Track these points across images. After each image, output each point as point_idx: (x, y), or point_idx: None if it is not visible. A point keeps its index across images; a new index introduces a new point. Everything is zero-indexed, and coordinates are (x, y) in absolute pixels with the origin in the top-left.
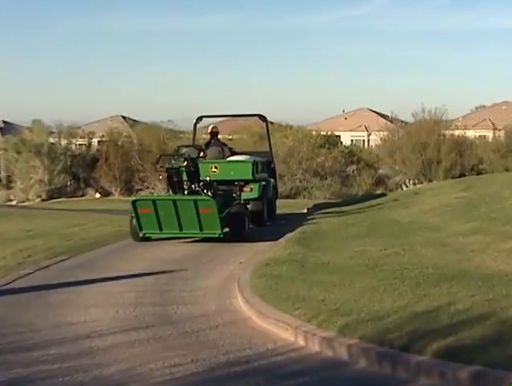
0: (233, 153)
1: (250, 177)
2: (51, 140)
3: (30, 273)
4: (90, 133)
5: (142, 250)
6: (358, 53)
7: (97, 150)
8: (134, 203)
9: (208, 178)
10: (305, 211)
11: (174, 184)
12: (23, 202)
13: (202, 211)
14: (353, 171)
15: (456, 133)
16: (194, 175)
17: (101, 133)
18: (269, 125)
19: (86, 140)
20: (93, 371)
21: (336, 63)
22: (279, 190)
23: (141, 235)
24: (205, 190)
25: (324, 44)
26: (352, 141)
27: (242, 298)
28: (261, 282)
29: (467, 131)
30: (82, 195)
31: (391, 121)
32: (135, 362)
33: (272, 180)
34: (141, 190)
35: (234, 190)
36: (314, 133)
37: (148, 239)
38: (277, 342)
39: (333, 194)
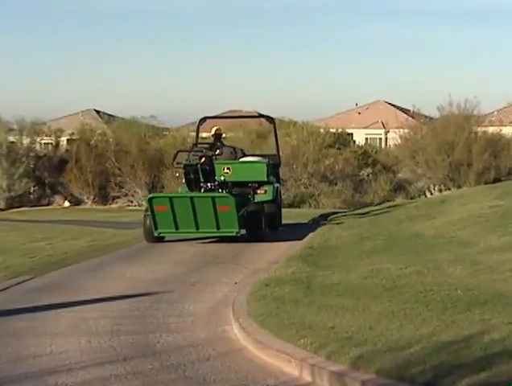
0: (244, 155)
1: (265, 178)
2: (11, 138)
3: None
4: (57, 130)
5: (120, 268)
6: (373, 36)
7: (66, 151)
8: (150, 200)
9: (222, 178)
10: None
11: (191, 181)
12: None
13: (220, 208)
14: (368, 175)
15: (490, 130)
16: (210, 174)
17: (71, 130)
18: (277, 127)
19: (53, 138)
20: None
21: (348, 48)
22: (282, 197)
23: (156, 234)
24: (220, 190)
25: (331, 26)
26: (366, 139)
27: (237, 325)
28: (259, 306)
29: (503, 128)
30: (48, 204)
31: (413, 117)
32: None
33: (278, 185)
34: (118, 197)
35: (247, 191)
36: (322, 130)
37: (162, 239)
38: (279, 378)
39: (344, 202)
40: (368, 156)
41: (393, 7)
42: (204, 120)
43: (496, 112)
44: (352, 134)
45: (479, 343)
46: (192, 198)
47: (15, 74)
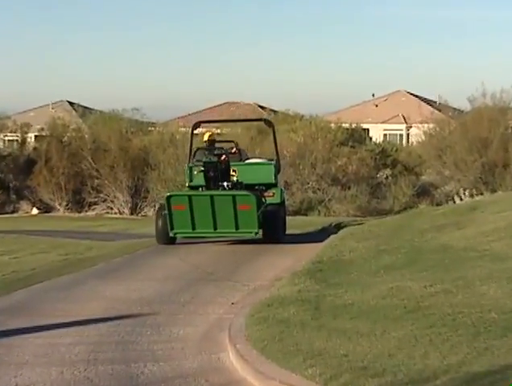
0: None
1: (273, 181)
2: None
3: None
4: (24, 125)
5: (97, 286)
6: (392, 16)
7: (34, 149)
8: (168, 198)
9: (235, 178)
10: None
11: (210, 179)
12: None
13: (240, 207)
14: (387, 178)
15: None
16: (226, 173)
17: (40, 125)
18: (275, 129)
19: (19, 135)
20: None
21: (363, 31)
22: (286, 203)
23: (171, 234)
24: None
25: (344, 5)
26: (385, 136)
27: (235, 352)
28: (260, 330)
29: None
30: (13, 211)
31: (439, 109)
32: None
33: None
34: (95, 203)
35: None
36: (333, 125)
37: (173, 241)
38: None
39: (359, 209)
40: (387, 155)
41: None
42: (198, 125)
43: None
44: (368, 130)
45: None
46: (212, 196)
47: None
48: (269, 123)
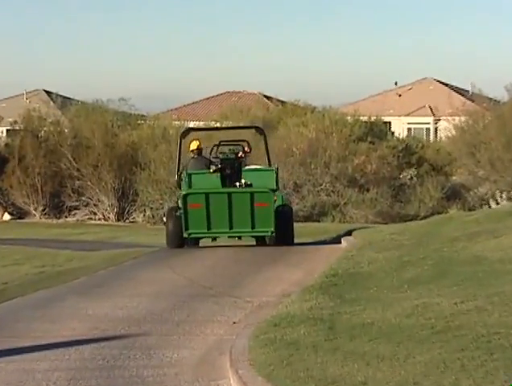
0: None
1: (274, 186)
2: None
3: None
4: None
5: (79, 303)
6: None
7: (6, 146)
8: (185, 196)
9: (243, 180)
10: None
11: (226, 177)
12: None
13: (258, 204)
14: (412, 179)
15: None
16: (240, 172)
17: (13, 117)
18: (267, 137)
19: None
20: None
21: (383, 13)
22: (295, 208)
23: (185, 235)
24: None
25: None
26: (409, 130)
27: (236, 379)
28: (266, 353)
29: None
30: None
31: (472, 100)
32: None
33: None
34: (76, 208)
35: None
36: (349, 118)
37: (182, 245)
38: None
39: (380, 214)
40: (411, 153)
41: None
42: (187, 132)
43: None
44: (390, 123)
45: None
46: (229, 194)
47: None
48: (260, 131)
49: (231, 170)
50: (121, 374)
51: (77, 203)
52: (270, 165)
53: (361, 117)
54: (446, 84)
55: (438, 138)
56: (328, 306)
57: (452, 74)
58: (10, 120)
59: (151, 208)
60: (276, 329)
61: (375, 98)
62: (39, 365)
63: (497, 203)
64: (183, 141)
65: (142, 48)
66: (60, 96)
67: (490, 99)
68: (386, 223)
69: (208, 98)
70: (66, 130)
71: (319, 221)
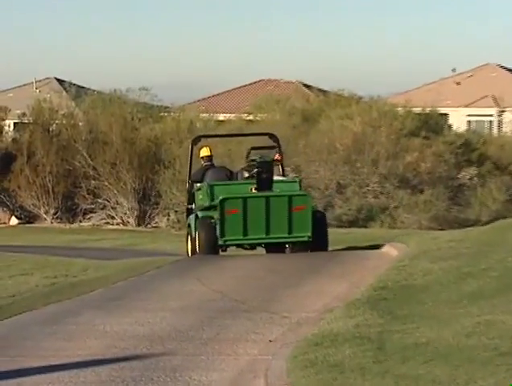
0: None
1: None
2: None
3: None
4: (0, 109)
5: (95, 319)
6: None
7: (13, 141)
8: (222, 202)
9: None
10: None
11: (263, 181)
12: None
13: (296, 209)
14: (472, 179)
15: None
16: (272, 177)
17: (21, 109)
18: (281, 144)
19: None
20: None
21: None
22: (338, 211)
23: (221, 242)
24: None
25: None
26: (469, 123)
27: None
28: (306, 376)
29: None
30: None
31: None
32: None
33: None
34: (92, 211)
35: None
36: (400, 110)
37: (217, 252)
38: None
39: (435, 219)
40: (472, 149)
41: None
42: (198, 139)
43: None
44: (447, 116)
45: None
46: (267, 197)
47: None
48: (274, 137)
49: (267, 173)
50: None
51: (93, 206)
52: (283, 175)
53: (414, 109)
54: (511, 71)
55: (502, 132)
56: (376, 323)
57: None
58: (18, 112)
59: (176, 212)
60: (317, 349)
61: (430, 87)
62: None
63: None
64: (194, 148)
65: (165, 32)
66: (74, 85)
67: None
68: (442, 230)
69: (239, 87)
70: (80, 124)
71: (365, 227)
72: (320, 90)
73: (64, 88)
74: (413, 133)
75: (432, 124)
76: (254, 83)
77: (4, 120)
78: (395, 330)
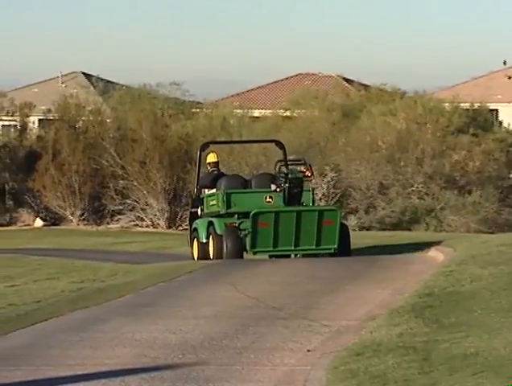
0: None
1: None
2: None
3: None
4: (25, 105)
5: (123, 326)
6: None
7: (38, 138)
8: (254, 216)
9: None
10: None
11: (293, 196)
12: None
13: (325, 223)
14: None
15: None
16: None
17: (46, 105)
18: (287, 151)
19: (17, 119)
20: None
21: None
22: (381, 213)
23: (251, 253)
24: None
25: None
26: None
27: None
28: None
29: None
30: (10, 223)
31: None
32: None
33: None
34: (120, 212)
35: None
36: (447, 105)
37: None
38: None
39: (484, 222)
40: None
41: None
42: (206, 145)
43: None
44: (497, 111)
45: None
46: (298, 212)
47: None
48: (280, 145)
49: (297, 188)
50: None
51: (121, 207)
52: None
53: (462, 104)
54: None
55: None
56: (421, 332)
57: None
58: (43, 108)
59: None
60: (359, 359)
61: (479, 81)
62: None
63: None
64: (202, 154)
65: (196, 25)
66: (102, 79)
67: None
68: (491, 233)
69: (276, 82)
70: (108, 120)
71: (410, 229)
72: (361, 84)
73: (92, 83)
74: (460, 130)
75: (481, 120)
76: (291, 77)
77: (29, 116)
78: (442, 340)
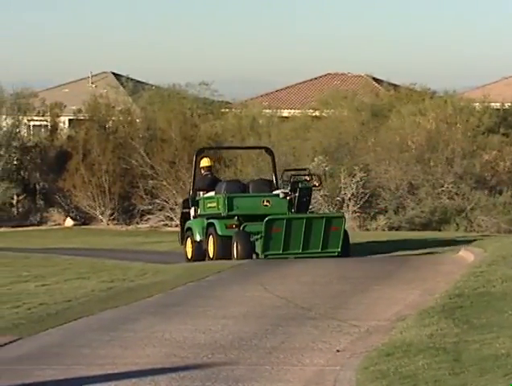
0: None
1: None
2: None
3: None
4: (55, 105)
5: (153, 325)
6: None
7: (69, 138)
8: (268, 222)
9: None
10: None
11: (302, 204)
12: None
13: (333, 229)
14: None
15: None
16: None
17: (76, 105)
18: (275, 159)
19: (48, 119)
20: None
21: None
22: (411, 213)
23: (262, 256)
24: None
25: None
26: None
27: None
28: None
29: None
30: (40, 223)
31: None
32: None
33: None
34: (150, 212)
35: None
36: (477, 105)
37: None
38: None
39: None
40: None
41: None
42: (202, 150)
43: None
44: None
45: None
46: (309, 219)
47: None
48: (269, 151)
49: (306, 197)
50: None
51: (151, 207)
52: (277, 182)
53: (493, 104)
54: None
55: None
56: (452, 333)
57: None
58: (74, 108)
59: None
60: (389, 359)
61: (509, 80)
62: None
63: None
64: (198, 159)
65: (224, 24)
66: (131, 79)
67: None
68: None
69: (305, 82)
70: (138, 120)
71: (439, 230)
72: (390, 84)
73: (121, 83)
74: (491, 130)
75: None
76: (320, 77)
77: (59, 116)
78: (472, 341)
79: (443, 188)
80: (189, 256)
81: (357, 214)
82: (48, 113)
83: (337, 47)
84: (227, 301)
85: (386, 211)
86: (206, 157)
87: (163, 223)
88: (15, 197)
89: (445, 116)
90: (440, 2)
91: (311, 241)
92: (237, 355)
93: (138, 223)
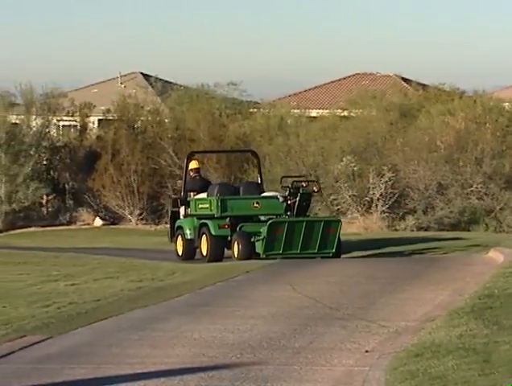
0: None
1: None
2: (14, 119)
3: None
4: (85, 105)
5: (182, 325)
6: None
7: (98, 138)
8: (272, 224)
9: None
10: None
11: (301, 208)
12: None
13: (330, 231)
14: None
15: None
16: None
17: (106, 105)
18: (261, 161)
19: (77, 119)
20: None
21: None
22: (439, 213)
23: (263, 255)
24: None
25: None
26: None
27: None
28: None
29: None
30: (70, 222)
31: None
32: None
33: None
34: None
35: None
36: (507, 105)
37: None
38: None
39: None
40: None
41: None
42: (192, 154)
43: None
44: None
45: None
46: (308, 222)
47: (19, 24)
48: (255, 155)
49: (306, 202)
50: None
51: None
52: (262, 185)
53: None
54: None
55: None
56: (482, 334)
57: None
58: (103, 108)
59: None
60: (418, 360)
61: None
62: None
63: None
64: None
65: (254, 25)
66: (160, 80)
67: None
68: None
69: (333, 81)
70: (166, 120)
71: (468, 230)
72: (419, 84)
73: (150, 84)
74: None
75: None
76: (349, 77)
77: (88, 116)
78: (502, 342)
79: (472, 188)
80: (180, 254)
81: (386, 214)
82: (78, 113)
83: (366, 47)
84: (255, 300)
85: (415, 212)
86: (195, 160)
87: None
88: (45, 197)
89: (474, 116)
90: (467, 2)
91: (310, 243)
92: (265, 354)
93: (166, 223)
